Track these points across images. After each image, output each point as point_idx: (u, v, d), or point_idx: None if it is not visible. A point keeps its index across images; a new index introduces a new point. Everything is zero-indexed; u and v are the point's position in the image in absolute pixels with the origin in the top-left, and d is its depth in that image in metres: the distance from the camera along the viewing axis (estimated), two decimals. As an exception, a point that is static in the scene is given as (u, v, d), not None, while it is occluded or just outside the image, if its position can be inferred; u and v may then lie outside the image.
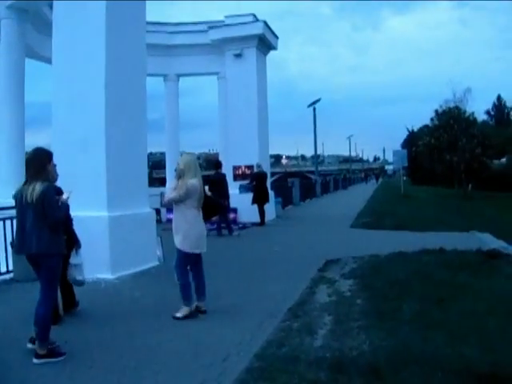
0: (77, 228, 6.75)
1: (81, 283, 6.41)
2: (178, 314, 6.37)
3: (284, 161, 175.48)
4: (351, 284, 7.71)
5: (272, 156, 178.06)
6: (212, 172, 15.70)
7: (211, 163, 15.90)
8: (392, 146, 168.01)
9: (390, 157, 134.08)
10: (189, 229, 6.33)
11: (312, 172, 68.01)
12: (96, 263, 8.62)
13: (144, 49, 10.48)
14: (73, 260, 6.24)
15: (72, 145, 9.11)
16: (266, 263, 10.00)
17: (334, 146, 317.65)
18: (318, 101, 39.49)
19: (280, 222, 18.29)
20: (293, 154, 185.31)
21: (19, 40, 12.34)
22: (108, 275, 8.76)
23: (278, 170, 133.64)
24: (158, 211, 18.98)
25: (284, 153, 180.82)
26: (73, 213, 6.42)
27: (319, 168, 57.09)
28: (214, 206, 7.49)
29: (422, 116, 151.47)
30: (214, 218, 15.18)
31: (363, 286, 7.45)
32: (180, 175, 6.38)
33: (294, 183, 29.38)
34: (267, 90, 20.14)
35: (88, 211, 8.63)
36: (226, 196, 14.78)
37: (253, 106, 18.39)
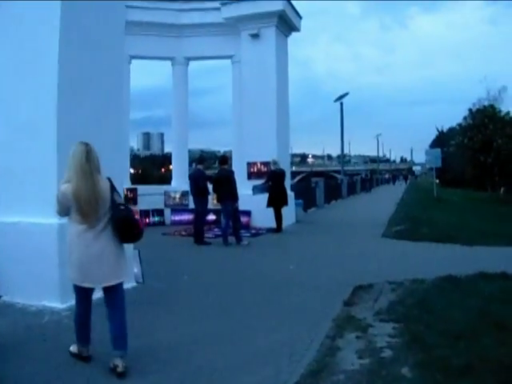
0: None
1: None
2: (72, 348, 4.82)
3: (310, 160, 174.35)
4: (391, 333, 5.28)
5: (298, 155, 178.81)
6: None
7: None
8: (419, 147, 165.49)
9: (417, 157, 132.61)
10: (69, 251, 4.59)
11: (338, 172, 65.28)
12: (41, 286, 6.58)
13: (119, 21, 8.18)
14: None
15: (15, 131, 6.95)
16: (274, 289, 7.56)
17: (360, 146, 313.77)
18: (345, 95, 37.12)
19: (300, 229, 15.84)
20: (319, 153, 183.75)
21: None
22: (56, 303, 6.48)
23: (303, 169, 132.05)
24: (160, 212, 16.89)
25: (310, 152, 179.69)
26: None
27: (345, 168, 54.38)
28: (128, 223, 4.67)
29: (450, 117, 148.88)
30: (221, 222, 13.01)
31: (410, 340, 5.00)
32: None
33: (317, 183, 26.95)
34: (288, 77, 17.68)
35: (32, 217, 6.55)
36: (234, 197, 12.47)
37: (271, 94, 15.98)
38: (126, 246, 7.70)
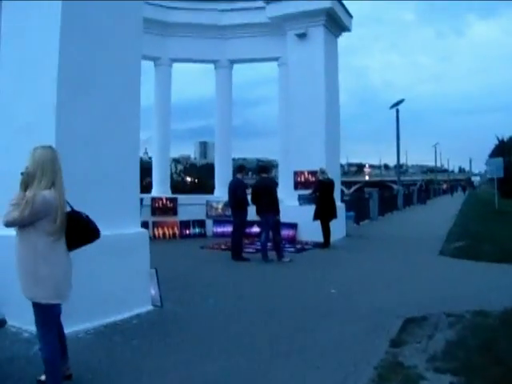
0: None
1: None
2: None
3: (367, 170, 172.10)
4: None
5: (354, 165, 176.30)
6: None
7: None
8: (478, 157, 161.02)
9: (476, 167, 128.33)
10: (41, 267, 3.99)
11: (395, 182, 63.19)
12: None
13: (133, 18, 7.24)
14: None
15: (14, 133, 6.15)
16: (309, 320, 6.42)
17: (417, 156, 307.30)
18: (401, 102, 35.46)
19: (349, 244, 14.58)
20: (376, 163, 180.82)
21: None
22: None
23: (360, 178, 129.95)
24: (202, 223, 16.00)
25: (367, 162, 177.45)
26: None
27: (402, 178, 52.41)
28: (87, 230, 4.48)
29: (509, 125, 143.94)
30: (260, 236, 11.90)
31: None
32: (27, 183, 4.02)
33: (371, 194, 25.59)
34: (338, 81, 16.53)
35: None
36: (275, 208, 11.40)
37: (320, 98, 14.90)
38: (141, 264, 6.89)
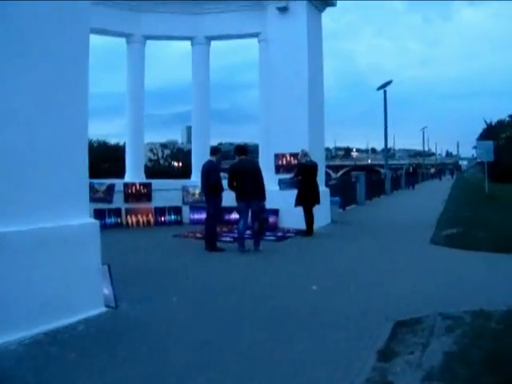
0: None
1: None
2: None
3: (354, 154, 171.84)
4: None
5: (342, 148, 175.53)
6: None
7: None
8: (465, 141, 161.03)
9: (463, 152, 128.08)
10: None
11: (382, 166, 62.37)
12: None
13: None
14: None
15: None
16: (284, 324, 5.53)
17: (405, 140, 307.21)
18: (389, 83, 34.48)
19: (334, 231, 13.68)
20: (363, 147, 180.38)
21: None
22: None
23: (347, 162, 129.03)
24: (178, 210, 15.07)
25: (354, 146, 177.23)
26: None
27: (390, 162, 51.55)
28: None
29: (495, 109, 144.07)
30: (238, 223, 10.92)
31: None
32: None
33: (358, 178, 24.72)
34: (323, 58, 15.52)
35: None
36: (262, 193, 10.52)
37: (302, 76, 13.94)
38: (90, 261, 5.98)
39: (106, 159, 41.73)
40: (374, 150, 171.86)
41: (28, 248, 5.19)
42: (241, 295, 6.87)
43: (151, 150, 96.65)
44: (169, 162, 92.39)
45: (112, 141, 53.72)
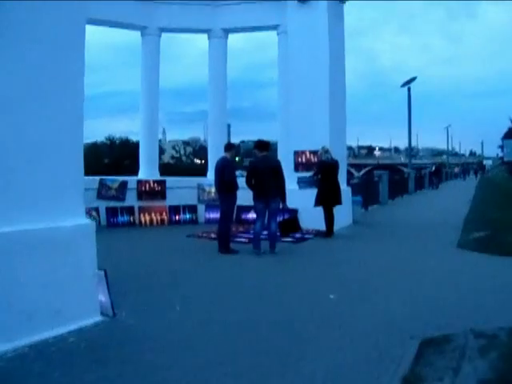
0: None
1: None
2: None
3: (377, 153, 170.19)
4: None
5: (364, 147, 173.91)
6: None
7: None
8: (489, 140, 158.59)
9: (487, 151, 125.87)
10: None
11: (405, 165, 61.30)
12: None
13: None
14: None
15: None
16: (297, 340, 4.93)
17: (428, 139, 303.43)
18: (413, 79, 33.61)
19: (355, 232, 13.03)
20: (386, 146, 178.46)
21: None
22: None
23: (370, 161, 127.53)
24: (193, 208, 14.58)
25: (377, 144, 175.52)
26: None
27: (413, 161, 50.45)
28: None
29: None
30: (255, 224, 10.35)
31: None
32: None
33: (381, 177, 24.05)
34: (344, 52, 14.86)
35: None
36: (284, 193, 9.96)
37: (323, 70, 13.31)
38: (84, 265, 5.47)
39: (127, 156, 41.67)
40: (396, 149, 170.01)
41: (14, 251, 4.70)
42: (251, 304, 6.29)
43: (174, 148, 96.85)
44: (191, 160, 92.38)
45: (134, 138, 53.88)
